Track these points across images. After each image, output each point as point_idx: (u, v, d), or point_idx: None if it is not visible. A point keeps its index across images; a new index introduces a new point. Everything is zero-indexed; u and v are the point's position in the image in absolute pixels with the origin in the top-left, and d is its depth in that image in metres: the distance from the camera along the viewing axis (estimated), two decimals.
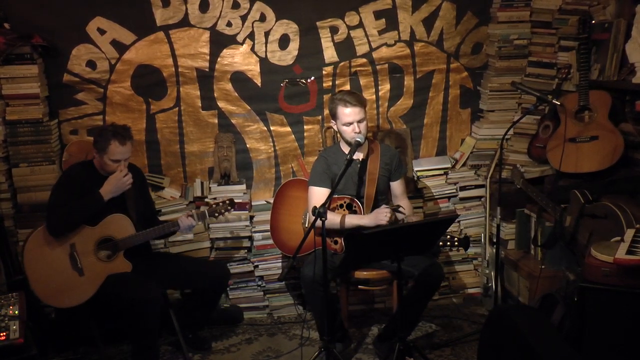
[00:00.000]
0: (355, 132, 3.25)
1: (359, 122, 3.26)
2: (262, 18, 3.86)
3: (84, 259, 3.15)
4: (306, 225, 3.57)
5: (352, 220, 3.28)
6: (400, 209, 3.22)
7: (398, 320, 3.09)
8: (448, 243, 3.08)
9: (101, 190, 3.14)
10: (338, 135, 3.51)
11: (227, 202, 3.46)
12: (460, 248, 3.14)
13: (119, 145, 3.13)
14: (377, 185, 3.39)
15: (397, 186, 3.50)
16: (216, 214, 3.42)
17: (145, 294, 3.08)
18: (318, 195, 3.32)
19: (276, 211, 3.74)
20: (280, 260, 3.94)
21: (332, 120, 3.41)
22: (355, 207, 3.36)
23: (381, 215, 3.20)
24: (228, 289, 3.94)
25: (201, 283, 3.43)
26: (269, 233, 3.76)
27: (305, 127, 4.05)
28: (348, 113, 3.26)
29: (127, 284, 3.16)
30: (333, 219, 3.24)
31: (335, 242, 3.35)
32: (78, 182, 3.18)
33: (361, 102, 3.30)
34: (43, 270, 3.09)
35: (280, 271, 3.92)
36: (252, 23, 3.85)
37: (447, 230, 3.00)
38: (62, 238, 3.12)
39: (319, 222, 2.80)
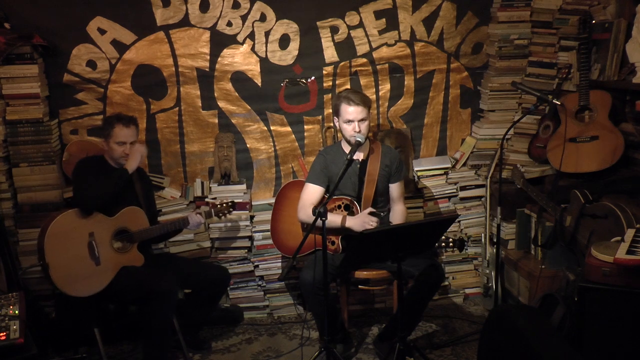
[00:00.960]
0: (355, 131, 3.25)
1: (360, 121, 3.26)
2: (263, 18, 3.86)
3: (102, 249, 3.19)
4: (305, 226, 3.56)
5: (343, 221, 3.27)
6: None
7: (398, 320, 3.09)
8: (443, 244, 3.09)
9: (125, 165, 3.25)
10: (339, 134, 3.50)
11: (229, 203, 3.60)
12: (454, 249, 3.14)
13: (123, 127, 3.26)
14: (376, 186, 3.39)
15: (395, 189, 3.49)
16: (220, 215, 3.56)
17: (162, 285, 3.12)
18: (310, 192, 3.37)
19: (277, 212, 3.74)
20: (280, 260, 3.94)
21: (334, 117, 3.41)
22: (353, 209, 3.35)
23: (367, 225, 3.21)
24: (228, 289, 3.94)
25: (202, 284, 3.44)
26: (269, 233, 3.76)
27: (305, 127, 4.05)
28: (350, 111, 3.26)
29: (142, 275, 3.21)
30: (331, 219, 3.23)
31: (333, 243, 3.35)
32: (94, 169, 3.26)
33: (365, 103, 3.30)
34: (62, 257, 3.10)
35: (280, 271, 3.92)
36: (253, 23, 3.85)
37: (447, 230, 3.01)
38: (84, 223, 3.15)
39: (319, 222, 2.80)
